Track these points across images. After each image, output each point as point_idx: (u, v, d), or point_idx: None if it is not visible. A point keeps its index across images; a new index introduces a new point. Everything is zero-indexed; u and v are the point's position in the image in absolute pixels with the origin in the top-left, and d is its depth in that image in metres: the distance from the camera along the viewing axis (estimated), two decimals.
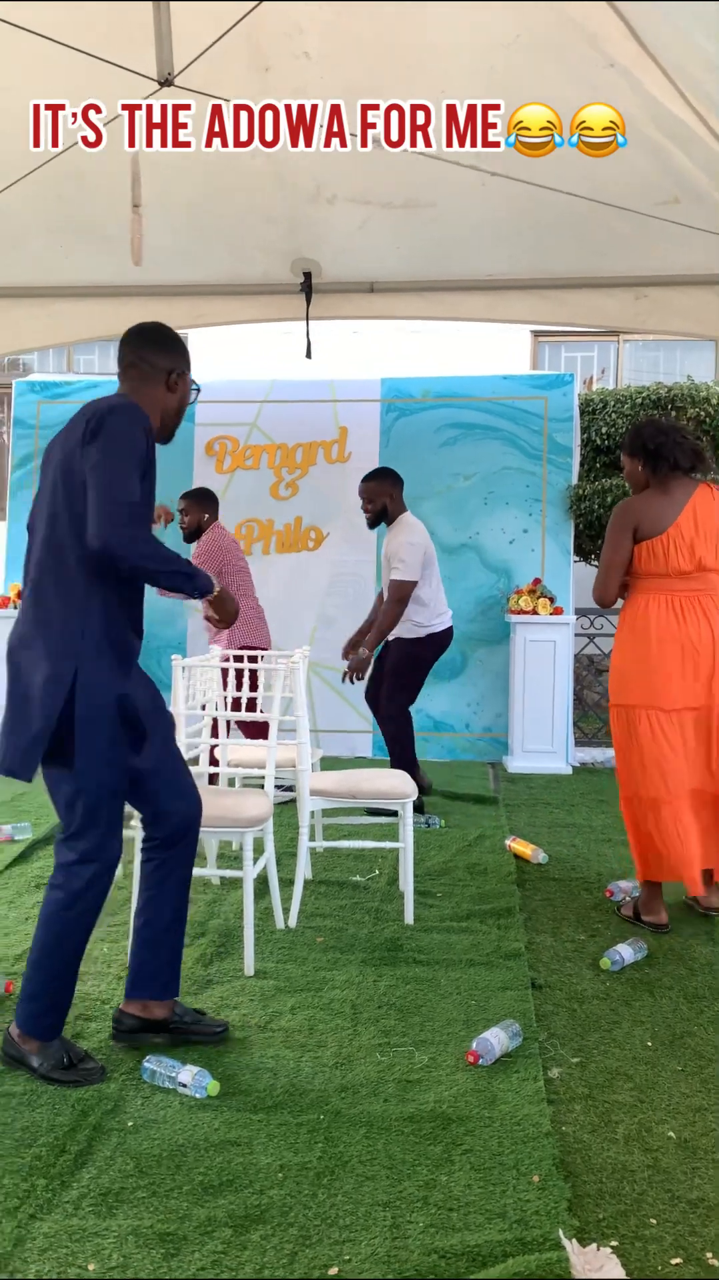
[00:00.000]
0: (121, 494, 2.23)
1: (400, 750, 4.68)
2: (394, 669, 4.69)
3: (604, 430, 6.73)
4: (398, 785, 3.46)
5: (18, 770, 2.32)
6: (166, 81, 3.07)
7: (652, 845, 3.28)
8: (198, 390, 2.54)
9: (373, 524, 4.79)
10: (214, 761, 3.90)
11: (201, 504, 4.94)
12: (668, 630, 3.25)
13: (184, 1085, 2.29)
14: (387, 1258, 1.76)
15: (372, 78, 3.53)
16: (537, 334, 8.74)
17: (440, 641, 4.73)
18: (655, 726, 3.24)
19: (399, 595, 4.52)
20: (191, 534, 4.96)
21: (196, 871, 3.44)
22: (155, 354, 2.45)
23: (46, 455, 2.44)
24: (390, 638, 4.67)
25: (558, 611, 5.77)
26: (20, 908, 3.47)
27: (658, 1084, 2.36)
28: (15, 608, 5.80)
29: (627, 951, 3.03)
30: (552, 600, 5.78)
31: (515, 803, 5.06)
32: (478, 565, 6.13)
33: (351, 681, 4.62)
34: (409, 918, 3.37)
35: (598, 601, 3.39)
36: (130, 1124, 2.18)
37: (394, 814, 3.56)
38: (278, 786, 4.02)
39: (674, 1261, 1.77)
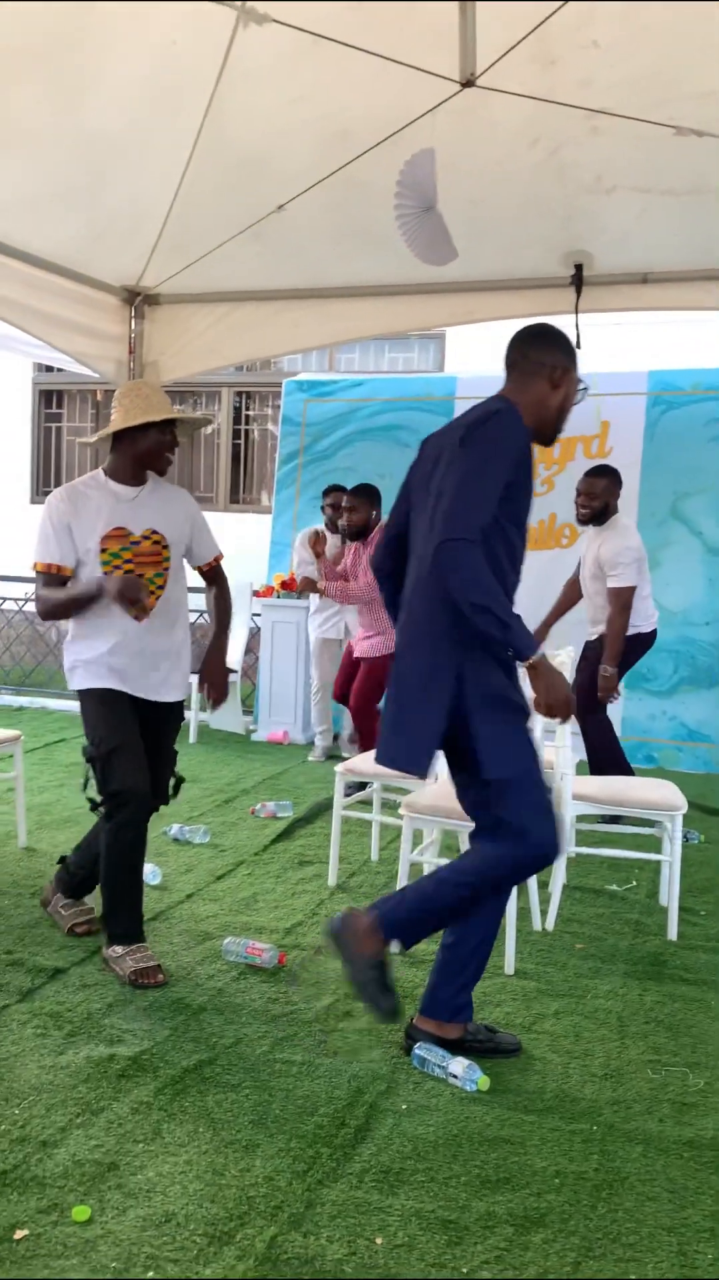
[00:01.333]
0: (472, 517, 2.17)
1: (609, 756, 4.50)
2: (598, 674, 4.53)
3: None
4: (667, 796, 3.33)
5: (407, 765, 2.34)
6: (468, 82, 3.09)
7: None
8: (585, 389, 2.46)
9: (591, 519, 4.59)
10: None
11: (371, 501, 4.94)
12: None
13: (455, 1077, 2.32)
14: None
15: (662, 65, 3.40)
16: None
17: (645, 643, 4.62)
18: None
19: (623, 602, 4.43)
20: (357, 532, 4.93)
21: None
22: (537, 350, 2.41)
23: (422, 455, 2.47)
24: (592, 637, 4.55)
25: None
26: (286, 882, 3.64)
27: None
28: (279, 596, 6.09)
29: None
30: None
31: None
32: None
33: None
34: (673, 933, 3.25)
35: None
36: (404, 1107, 2.23)
37: (648, 824, 3.44)
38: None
39: None
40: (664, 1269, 1.75)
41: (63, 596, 2.84)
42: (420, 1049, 2.41)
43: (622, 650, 4.42)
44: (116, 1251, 1.74)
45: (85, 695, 2.93)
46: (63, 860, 3.19)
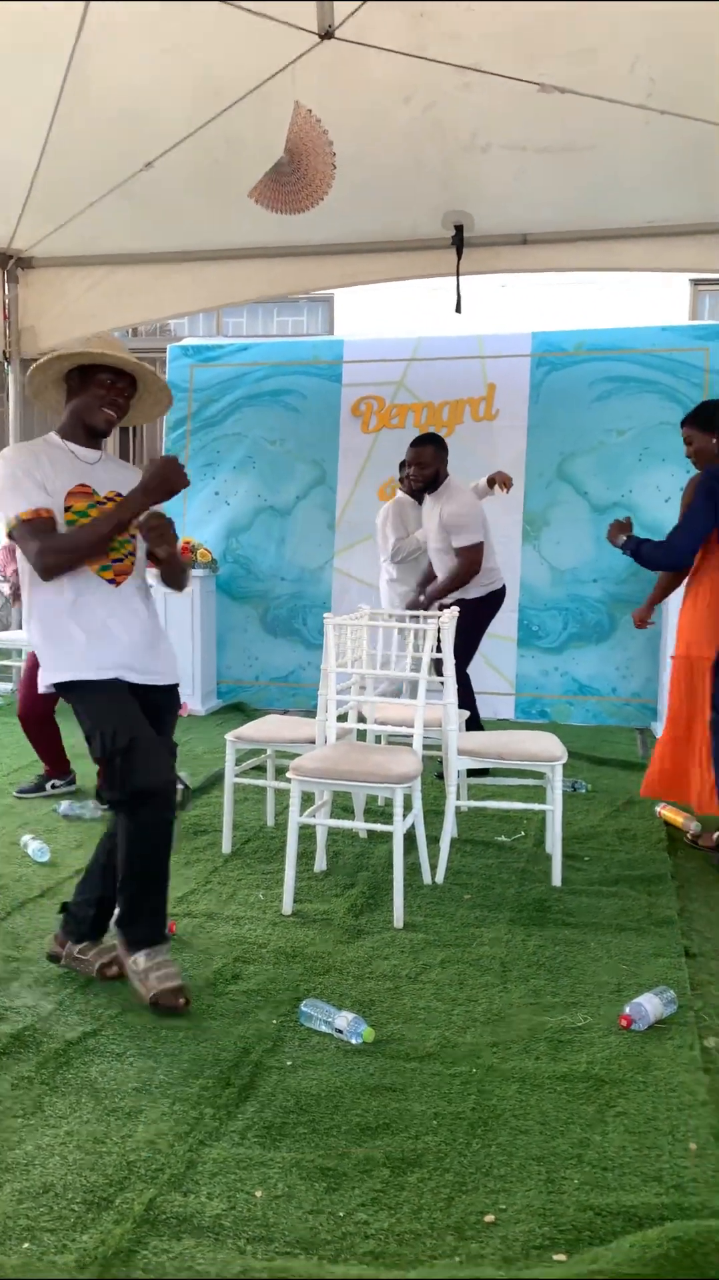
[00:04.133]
0: None
1: (471, 710, 4.59)
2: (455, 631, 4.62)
3: None
4: (547, 748, 3.42)
5: None
6: (327, 34, 3.05)
7: None
8: None
9: (425, 488, 4.66)
10: (361, 719, 3.97)
11: None
12: None
13: (340, 1031, 2.36)
14: (542, 1210, 1.78)
15: (534, 17, 3.41)
16: (696, 283, 8.33)
17: (497, 600, 4.76)
18: None
19: (473, 559, 4.52)
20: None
21: (344, 824, 3.54)
22: None
23: None
24: (449, 600, 4.62)
25: None
26: (180, 853, 3.61)
27: None
28: (202, 566, 5.99)
29: None
30: None
31: None
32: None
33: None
34: (557, 880, 3.36)
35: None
36: (289, 1063, 2.27)
37: (537, 776, 3.54)
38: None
39: None
40: (532, 1196, 1.82)
41: (102, 524, 2.49)
42: (307, 1005, 2.44)
43: (451, 592, 4.51)
44: None
45: (81, 693, 2.55)
46: (64, 908, 2.78)
